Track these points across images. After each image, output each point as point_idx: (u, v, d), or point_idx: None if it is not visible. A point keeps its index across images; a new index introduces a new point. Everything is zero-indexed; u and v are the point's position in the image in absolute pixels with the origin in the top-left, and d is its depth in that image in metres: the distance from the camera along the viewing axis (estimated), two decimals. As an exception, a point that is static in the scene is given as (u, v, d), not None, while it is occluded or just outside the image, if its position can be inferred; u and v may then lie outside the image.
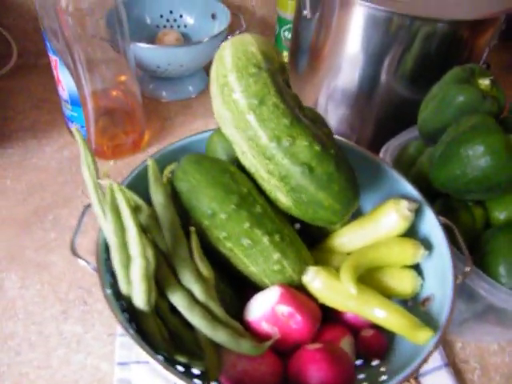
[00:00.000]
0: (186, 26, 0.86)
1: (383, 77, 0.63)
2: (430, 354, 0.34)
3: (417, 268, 0.43)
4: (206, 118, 0.79)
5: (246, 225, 0.39)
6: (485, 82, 0.52)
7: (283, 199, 0.40)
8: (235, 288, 0.42)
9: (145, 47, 0.71)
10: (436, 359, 0.50)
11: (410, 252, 0.41)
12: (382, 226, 0.43)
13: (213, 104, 0.42)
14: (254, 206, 0.39)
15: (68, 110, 0.65)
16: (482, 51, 0.63)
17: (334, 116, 0.70)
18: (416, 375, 0.49)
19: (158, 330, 0.35)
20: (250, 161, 0.40)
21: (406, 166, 0.55)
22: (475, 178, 0.45)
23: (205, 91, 0.84)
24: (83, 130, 0.65)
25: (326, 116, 0.70)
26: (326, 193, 0.38)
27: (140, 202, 0.38)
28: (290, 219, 0.44)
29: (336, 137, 0.49)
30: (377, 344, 0.40)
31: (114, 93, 0.72)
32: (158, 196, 0.39)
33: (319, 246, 0.47)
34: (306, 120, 0.40)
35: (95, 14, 0.59)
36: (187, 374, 0.35)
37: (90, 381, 0.46)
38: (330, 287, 0.39)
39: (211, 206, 0.39)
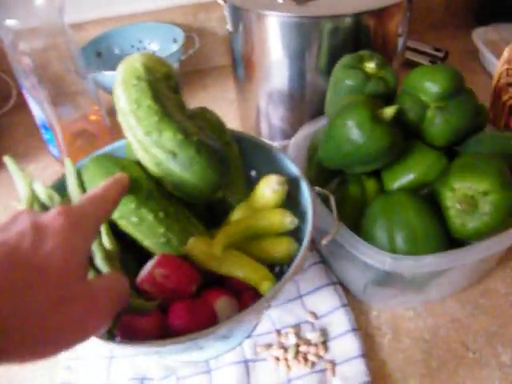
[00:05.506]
0: (154, 52, 0.96)
1: (308, 75, 0.69)
2: (266, 299, 0.40)
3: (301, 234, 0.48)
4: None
5: (133, 205, 0.47)
6: (370, 66, 0.57)
7: (165, 183, 0.47)
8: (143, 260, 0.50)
9: (108, 74, 0.82)
10: (344, 324, 0.54)
11: (278, 219, 0.47)
12: (259, 200, 0.49)
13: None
14: (140, 190, 0.47)
15: (44, 134, 0.76)
16: (392, 39, 0.68)
17: (275, 116, 0.76)
18: (324, 339, 0.54)
19: None
20: (139, 155, 0.48)
21: (312, 150, 0.61)
22: (349, 152, 0.50)
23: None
24: (57, 149, 0.76)
25: (268, 117, 0.77)
26: (189, 174, 0.45)
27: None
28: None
29: (235, 129, 0.56)
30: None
31: (93, 117, 0.83)
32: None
33: (224, 223, 0.53)
34: (181, 116, 0.48)
35: (50, 52, 0.69)
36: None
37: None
38: (204, 253, 0.46)
39: (103, 192, 0.47)
